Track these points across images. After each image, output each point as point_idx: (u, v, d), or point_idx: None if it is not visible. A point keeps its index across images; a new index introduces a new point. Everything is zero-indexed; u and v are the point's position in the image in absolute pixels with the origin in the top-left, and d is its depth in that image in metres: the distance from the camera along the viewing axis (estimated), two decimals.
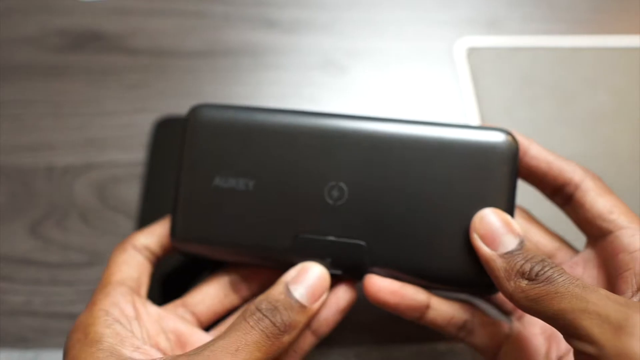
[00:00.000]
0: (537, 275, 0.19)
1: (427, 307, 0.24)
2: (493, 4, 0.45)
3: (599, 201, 0.23)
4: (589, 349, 0.18)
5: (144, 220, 0.34)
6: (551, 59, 0.42)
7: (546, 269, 0.20)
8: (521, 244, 0.21)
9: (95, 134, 0.38)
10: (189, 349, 0.23)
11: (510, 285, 0.20)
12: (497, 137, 0.23)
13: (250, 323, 0.21)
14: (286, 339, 0.21)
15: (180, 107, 0.39)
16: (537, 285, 0.19)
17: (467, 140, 0.23)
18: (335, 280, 0.25)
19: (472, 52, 0.42)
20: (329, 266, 0.24)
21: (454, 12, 0.45)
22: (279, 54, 0.43)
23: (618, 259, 0.21)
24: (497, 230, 0.22)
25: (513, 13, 0.45)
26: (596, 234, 0.23)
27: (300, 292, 0.22)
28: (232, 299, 0.26)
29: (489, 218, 0.22)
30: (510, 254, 0.21)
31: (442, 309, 0.24)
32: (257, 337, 0.20)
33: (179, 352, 0.23)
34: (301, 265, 0.23)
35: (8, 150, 0.38)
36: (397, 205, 0.23)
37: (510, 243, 0.21)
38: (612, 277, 0.22)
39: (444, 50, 0.43)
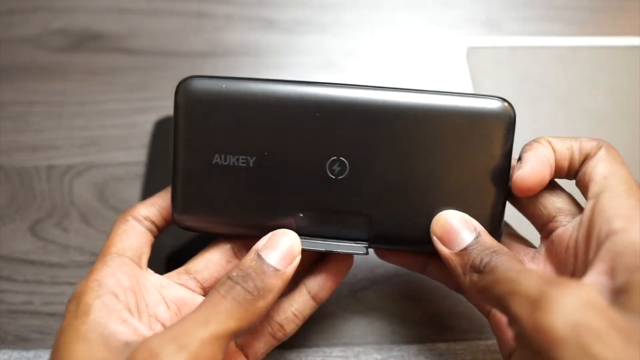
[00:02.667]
0: (484, 266, 0.20)
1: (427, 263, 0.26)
2: (492, 5, 0.45)
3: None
4: (513, 327, 0.18)
5: None
6: (550, 58, 0.42)
7: (492, 259, 0.20)
8: (477, 238, 0.22)
9: (96, 134, 0.38)
10: None
11: (466, 280, 0.21)
12: (494, 104, 0.23)
13: (221, 292, 0.20)
14: (261, 304, 0.21)
15: None
16: (484, 276, 0.20)
17: (464, 107, 0.23)
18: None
19: (472, 52, 0.42)
20: (330, 238, 0.24)
21: (453, 12, 0.45)
22: (279, 54, 0.43)
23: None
24: (452, 230, 0.23)
25: (512, 13, 0.45)
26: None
27: (272, 256, 0.22)
28: (234, 265, 0.26)
29: (445, 219, 0.23)
30: (465, 250, 0.22)
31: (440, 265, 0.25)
32: (227, 305, 0.20)
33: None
34: (271, 233, 0.23)
35: (8, 150, 0.38)
36: (397, 175, 0.23)
37: (465, 239, 0.22)
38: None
39: (444, 50, 0.43)
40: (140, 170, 0.37)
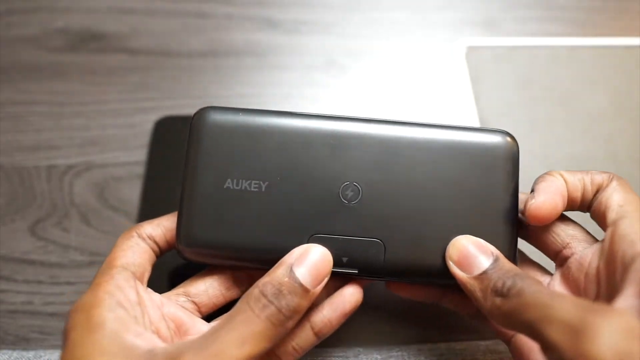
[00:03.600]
0: (509, 290, 0.20)
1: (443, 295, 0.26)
2: (492, 5, 0.45)
3: (614, 198, 0.23)
4: (549, 355, 0.18)
5: (144, 220, 0.34)
6: (549, 58, 0.42)
7: (517, 282, 0.20)
8: (495, 262, 0.22)
9: (96, 134, 0.38)
10: (188, 338, 0.23)
11: (487, 304, 0.21)
12: (498, 139, 0.24)
13: (256, 311, 0.20)
14: (290, 325, 0.21)
15: (181, 107, 0.39)
16: (509, 300, 0.19)
17: (470, 142, 0.24)
18: (345, 280, 0.25)
19: (471, 52, 0.42)
20: (344, 265, 0.24)
21: (453, 13, 0.45)
22: (281, 54, 0.43)
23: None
24: (469, 254, 0.22)
25: (511, 13, 0.45)
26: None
27: (302, 273, 0.22)
28: (233, 293, 0.26)
29: (461, 243, 0.23)
30: (484, 274, 0.21)
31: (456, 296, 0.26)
32: (263, 326, 0.20)
33: (178, 341, 0.23)
34: (304, 247, 0.23)
35: (8, 150, 0.38)
36: (409, 204, 0.24)
37: (483, 263, 0.22)
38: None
39: (444, 50, 0.43)
40: (140, 170, 0.37)
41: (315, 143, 0.24)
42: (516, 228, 0.24)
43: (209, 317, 0.25)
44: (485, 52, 0.42)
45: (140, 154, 0.37)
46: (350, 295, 0.25)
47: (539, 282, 0.20)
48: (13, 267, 0.33)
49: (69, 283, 0.32)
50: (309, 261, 0.22)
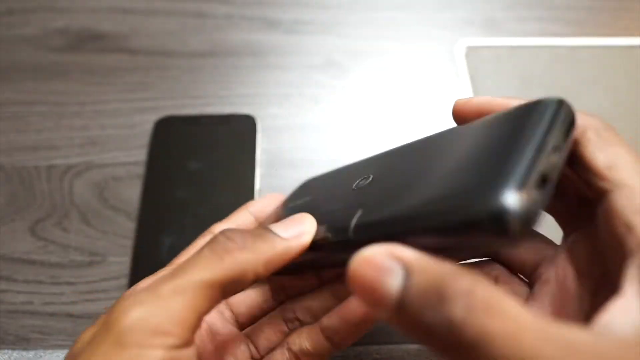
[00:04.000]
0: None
1: None
2: (492, 5, 0.45)
3: (599, 156, 0.18)
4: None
5: (144, 220, 0.34)
6: (549, 58, 0.42)
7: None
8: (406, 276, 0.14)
9: (96, 134, 0.38)
10: (218, 343, 0.23)
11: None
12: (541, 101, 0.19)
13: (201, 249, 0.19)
14: (244, 255, 0.19)
15: (181, 107, 0.39)
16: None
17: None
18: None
19: (471, 52, 0.42)
20: (324, 234, 0.22)
21: (453, 13, 0.45)
22: (281, 54, 0.43)
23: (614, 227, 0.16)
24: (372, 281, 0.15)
25: (511, 13, 0.45)
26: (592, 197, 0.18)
27: (277, 227, 0.21)
28: (270, 305, 0.26)
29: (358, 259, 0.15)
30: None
31: None
32: (203, 254, 0.19)
33: (209, 345, 0.23)
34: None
35: (8, 150, 0.38)
36: (402, 178, 0.21)
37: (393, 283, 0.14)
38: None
39: (444, 50, 0.43)
40: (140, 170, 0.37)
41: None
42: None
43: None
44: (485, 52, 0.42)
45: (140, 154, 0.37)
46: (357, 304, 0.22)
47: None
48: (13, 267, 0.33)
49: (69, 283, 0.32)
50: (287, 221, 0.22)
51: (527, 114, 0.18)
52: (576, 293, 0.19)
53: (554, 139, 0.16)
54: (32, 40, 0.43)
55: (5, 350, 0.30)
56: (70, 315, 0.31)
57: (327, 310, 0.23)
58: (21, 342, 0.30)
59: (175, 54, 0.42)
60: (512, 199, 0.14)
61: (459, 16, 0.45)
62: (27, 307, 0.32)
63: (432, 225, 0.16)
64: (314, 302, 0.25)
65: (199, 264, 0.18)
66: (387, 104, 0.40)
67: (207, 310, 0.18)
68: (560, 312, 0.19)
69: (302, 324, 0.24)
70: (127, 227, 0.34)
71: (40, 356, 0.29)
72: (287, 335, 0.24)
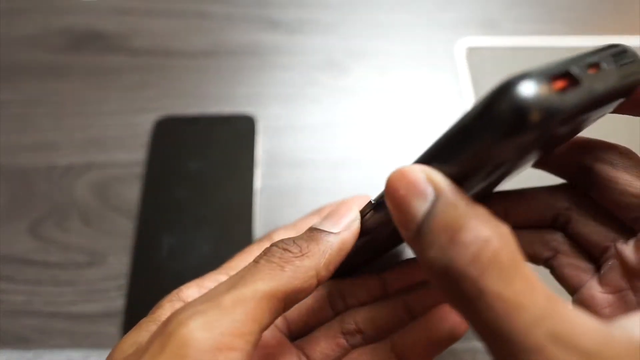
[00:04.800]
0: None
1: None
2: (492, 5, 0.45)
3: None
4: None
5: (144, 220, 0.34)
6: (550, 58, 0.42)
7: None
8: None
9: (96, 134, 0.38)
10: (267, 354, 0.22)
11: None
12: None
13: (258, 261, 0.18)
14: (306, 263, 0.18)
15: (181, 107, 0.39)
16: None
17: None
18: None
19: (472, 53, 0.42)
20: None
21: (453, 13, 0.45)
22: (281, 55, 0.43)
23: None
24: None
25: (512, 14, 0.45)
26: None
27: (324, 224, 0.20)
28: (326, 314, 0.24)
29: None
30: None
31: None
32: (259, 268, 0.18)
33: (255, 357, 0.21)
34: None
35: (8, 150, 0.38)
36: None
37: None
38: None
39: (444, 50, 0.43)
40: (140, 170, 0.37)
41: None
42: None
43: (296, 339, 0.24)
44: (485, 52, 0.42)
45: (140, 154, 0.37)
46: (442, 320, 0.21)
47: None
48: (13, 267, 0.33)
49: (69, 283, 0.32)
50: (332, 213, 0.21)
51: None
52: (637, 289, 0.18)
53: (594, 57, 0.18)
54: (33, 40, 0.43)
55: (5, 350, 0.30)
56: (70, 315, 0.31)
57: (395, 324, 0.22)
58: (21, 342, 0.30)
59: (176, 54, 0.42)
60: (528, 87, 0.14)
61: (459, 16, 0.45)
62: (27, 307, 0.32)
63: (455, 129, 0.15)
64: (380, 314, 0.22)
65: (259, 274, 0.17)
66: (387, 103, 0.40)
67: (269, 323, 0.17)
68: (620, 304, 0.19)
69: (365, 337, 0.22)
70: (127, 227, 0.34)
71: (40, 356, 0.29)
72: (345, 350, 0.22)
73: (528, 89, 0.14)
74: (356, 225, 0.20)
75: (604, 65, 0.17)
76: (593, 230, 0.20)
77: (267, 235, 0.24)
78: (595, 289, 0.20)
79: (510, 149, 0.14)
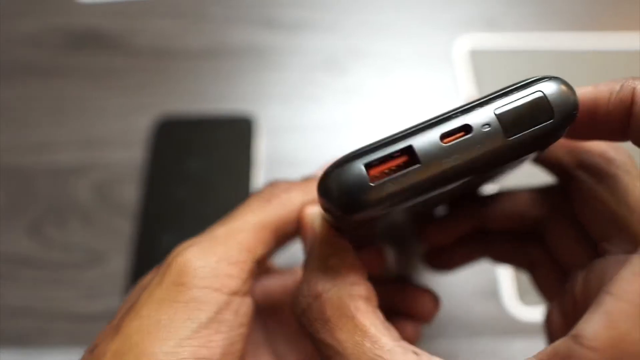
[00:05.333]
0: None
1: None
2: (495, 6, 0.45)
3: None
4: None
5: (144, 220, 0.34)
6: (552, 60, 0.42)
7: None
8: None
9: (96, 134, 0.38)
10: None
11: None
12: None
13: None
14: (293, 195, 0.19)
15: (181, 107, 0.39)
16: None
17: None
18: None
19: (473, 52, 0.42)
20: None
21: (454, 12, 0.45)
22: (280, 54, 0.43)
23: None
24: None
25: (512, 13, 0.45)
26: None
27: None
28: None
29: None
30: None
31: None
32: (250, 201, 0.19)
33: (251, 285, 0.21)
34: None
35: (8, 150, 0.38)
36: None
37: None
38: None
39: (444, 51, 0.43)
40: (140, 170, 0.37)
41: None
42: None
43: None
44: (486, 52, 0.42)
45: (140, 154, 0.37)
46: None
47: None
48: (13, 267, 0.33)
49: (69, 283, 0.32)
50: None
51: None
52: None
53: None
54: (33, 40, 0.43)
55: (5, 350, 0.30)
56: (70, 315, 0.31)
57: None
58: (21, 342, 0.30)
59: (176, 54, 0.42)
60: (355, 172, 0.14)
61: (460, 16, 0.45)
62: (27, 307, 0.32)
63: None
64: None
65: (248, 209, 0.19)
66: (387, 103, 0.40)
67: (262, 254, 0.18)
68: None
69: None
70: (127, 227, 0.34)
71: (41, 356, 0.29)
72: None
73: (354, 175, 0.14)
74: None
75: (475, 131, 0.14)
76: (565, 246, 0.20)
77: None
78: (555, 310, 0.19)
79: (357, 220, 0.14)
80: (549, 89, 0.15)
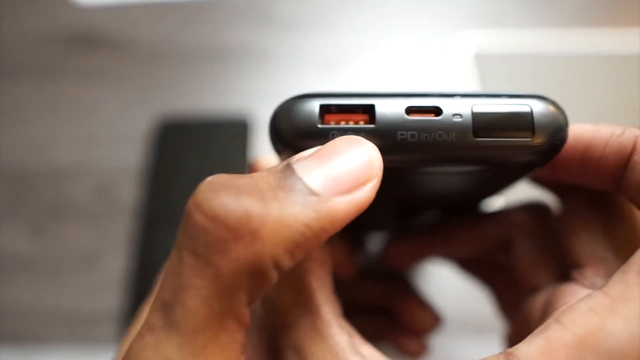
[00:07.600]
0: None
1: None
2: (499, 7, 0.45)
3: None
4: None
5: (144, 220, 0.34)
6: (553, 61, 0.42)
7: None
8: None
9: (95, 134, 0.38)
10: None
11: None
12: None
13: None
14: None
15: (180, 107, 0.39)
16: None
17: None
18: None
19: (479, 55, 0.42)
20: None
21: (456, 11, 0.45)
22: (280, 54, 0.43)
23: None
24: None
25: (513, 13, 0.45)
26: None
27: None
28: None
29: None
30: None
31: None
32: None
33: None
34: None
35: (8, 150, 0.38)
36: None
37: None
38: None
39: (444, 51, 0.43)
40: (140, 170, 0.37)
41: None
42: None
43: None
44: (490, 53, 0.42)
45: (139, 155, 0.37)
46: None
47: None
48: (13, 267, 0.33)
49: (68, 283, 0.32)
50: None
51: None
52: None
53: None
54: (33, 40, 0.43)
55: (5, 351, 0.30)
56: (70, 315, 0.31)
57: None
58: (21, 342, 0.30)
59: (174, 54, 0.42)
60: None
61: (462, 14, 0.44)
62: (27, 307, 0.32)
63: None
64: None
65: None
66: None
67: None
68: None
69: None
70: (127, 227, 0.34)
71: (40, 356, 0.29)
72: None
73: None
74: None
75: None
76: (526, 268, 0.19)
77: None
78: (513, 331, 0.19)
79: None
80: (539, 107, 0.14)
